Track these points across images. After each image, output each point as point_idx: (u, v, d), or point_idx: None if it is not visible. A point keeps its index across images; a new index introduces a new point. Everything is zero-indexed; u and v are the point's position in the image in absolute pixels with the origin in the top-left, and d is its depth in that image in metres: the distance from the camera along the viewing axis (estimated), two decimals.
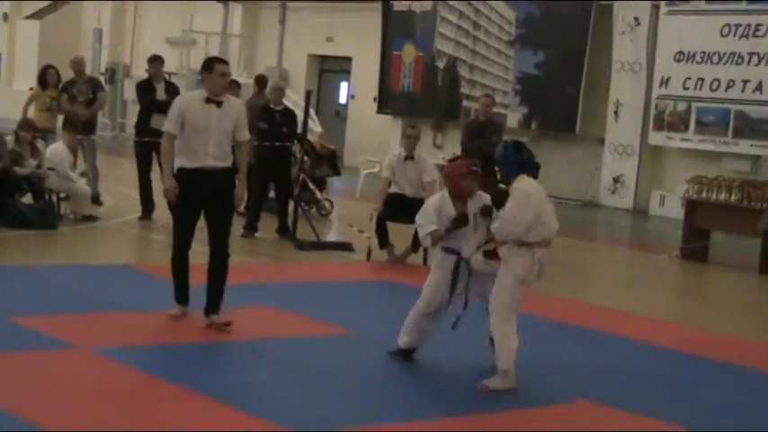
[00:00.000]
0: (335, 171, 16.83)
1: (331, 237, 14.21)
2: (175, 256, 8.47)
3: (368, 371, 7.50)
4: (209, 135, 8.08)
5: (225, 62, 8.41)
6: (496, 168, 7.60)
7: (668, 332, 9.88)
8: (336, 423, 6.21)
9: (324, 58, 28.84)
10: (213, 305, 8.21)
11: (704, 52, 20.43)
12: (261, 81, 16.05)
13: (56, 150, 13.58)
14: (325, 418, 6.31)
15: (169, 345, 7.75)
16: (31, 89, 16.81)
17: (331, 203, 16.29)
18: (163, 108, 13.82)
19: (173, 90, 14.11)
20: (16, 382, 6.46)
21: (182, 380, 6.74)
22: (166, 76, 14.96)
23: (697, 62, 20.57)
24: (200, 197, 8.15)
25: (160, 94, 13.99)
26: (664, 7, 21.22)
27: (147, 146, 13.79)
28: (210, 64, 8.27)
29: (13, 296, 8.77)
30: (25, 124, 13.53)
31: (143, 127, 13.98)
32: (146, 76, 14.70)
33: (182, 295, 8.46)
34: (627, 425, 6.78)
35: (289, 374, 7.21)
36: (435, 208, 7.84)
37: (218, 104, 8.13)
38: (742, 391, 7.88)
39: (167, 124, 8.17)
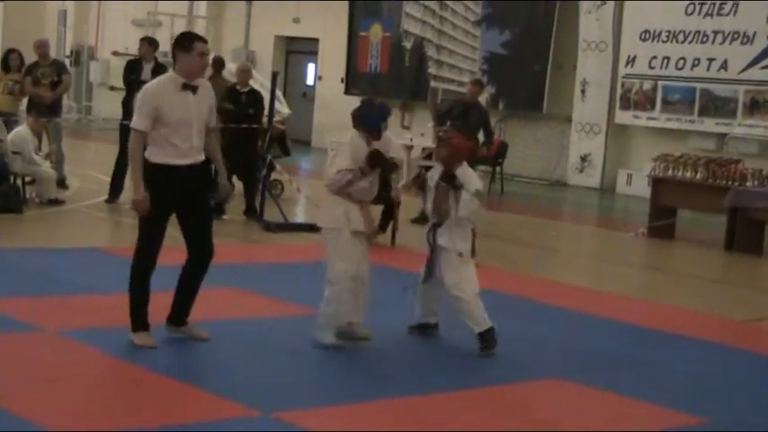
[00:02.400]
0: (285, 151, 16.70)
1: (299, 218, 14.18)
2: (143, 274, 7.20)
3: (336, 350, 7.50)
4: (193, 127, 7.04)
5: (204, 39, 7.26)
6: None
7: (635, 308, 9.95)
8: (304, 403, 6.21)
9: (291, 39, 28.74)
10: (186, 312, 7.39)
11: (669, 31, 20.51)
12: (218, 63, 15.93)
13: (19, 134, 13.47)
14: (293, 397, 6.31)
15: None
16: None
17: (281, 184, 16.05)
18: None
19: (160, 71, 13.88)
20: None
21: (146, 362, 6.72)
22: (157, 57, 14.67)
23: (662, 41, 20.66)
24: (178, 197, 7.11)
25: (146, 74, 13.83)
26: None
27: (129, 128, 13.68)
28: (188, 41, 7.11)
29: None
30: None
31: (127, 107, 13.87)
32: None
33: (143, 321, 7.20)
34: (594, 401, 6.82)
35: (255, 355, 7.20)
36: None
37: (194, 90, 7.06)
38: (707, 364, 7.94)
39: (137, 119, 7.00)
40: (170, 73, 7.15)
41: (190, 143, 7.04)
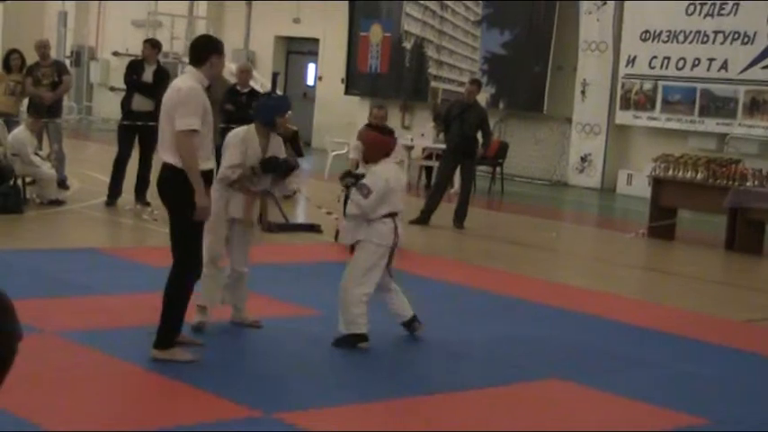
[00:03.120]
0: (298, 152, 16.73)
1: (299, 218, 14.19)
2: (192, 285, 6.99)
3: (336, 351, 7.50)
4: (211, 128, 7.01)
5: None
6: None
7: (635, 309, 9.94)
8: (305, 403, 6.21)
9: (291, 39, 28.75)
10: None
11: (670, 31, 20.52)
12: None
13: (17, 136, 13.47)
14: (294, 398, 6.32)
15: (134, 327, 7.72)
16: None
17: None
18: (145, 90, 13.76)
19: (161, 75, 13.89)
20: None
21: (146, 363, 6.71)
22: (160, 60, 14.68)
23: (663, 41, 20.66)
24: None
25: (147, 76, 13.86)
26: None
27: (129, 129, 13.71)
28: (221, 46, 7.08)
29: None
30: None
31: (126, 108, 13.88)
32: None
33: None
34: (595, 402, 6.83)
35: (257, 355, 7.21)
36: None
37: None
38: (707, 365, 7.94)
39: (192, 119, 6.67)
40: (196, 73, 6.90)
41: (211, 145, 7.07)
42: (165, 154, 6.79)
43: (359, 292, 7.59)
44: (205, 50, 6.93)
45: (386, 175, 7.64)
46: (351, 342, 7.52)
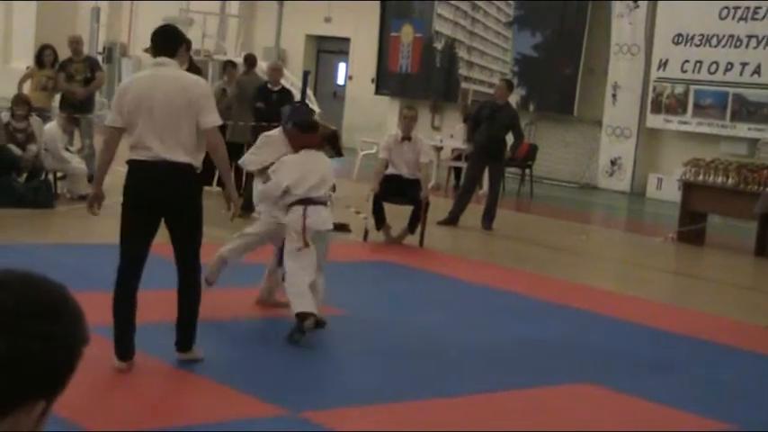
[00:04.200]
0: (338, 152, 16.75)
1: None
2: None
3: (363, 351, 7.51)
4: None
5: None
6: None
7: (664, 313, 9.89)
8: (332, 403, 6.22)
9: (322, 38, 28.78)
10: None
11: (703, 35, 20.40)
12: (250, 60, 15.99)
13: (49, 131, 13.56)
14: (321, 397, 6.32)
15: (162, 323, 7.74)
16: (27, 68, 16.76)
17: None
18: None
19: (193, 72, 13.91)
20: None
21: (175, 359, 6.73)
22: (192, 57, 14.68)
23: (695, 45, 20.55)
24: None
25: None
26: None
27: None
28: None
29: None
30: (19, 100, 13.46)
31: None
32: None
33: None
34: (622, 406, 6.80)
35: (282, 354, 7.21)
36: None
37: None
38: (736, 371, 7.89)
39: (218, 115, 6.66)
40: (177, 63, 6.77)
41: None
42: (174, 153, 6.34)
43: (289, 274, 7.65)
44: (178, 40, 6.80)
45: (291, 165, 7.89)
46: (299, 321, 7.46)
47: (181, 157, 6.36)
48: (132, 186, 6.52)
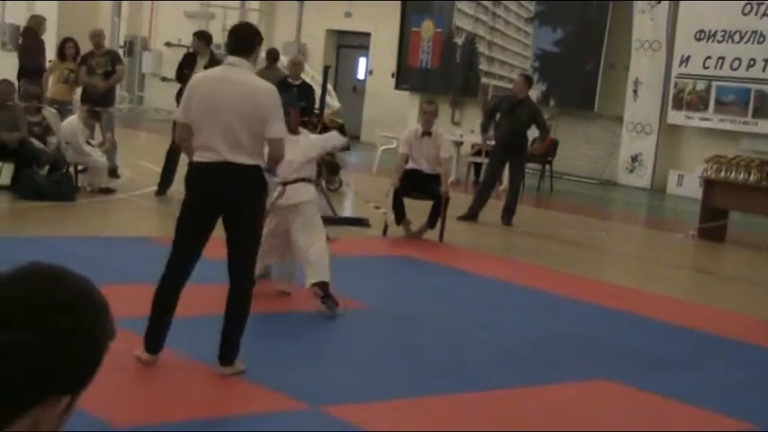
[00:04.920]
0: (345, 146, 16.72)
1: (347, 212, 14.21)
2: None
3: (382, 345, 7.51)
4: None
5: None
6: None
7: (684, 310, 9.86)
8: (352, 397, 6.22)
9: (342, 33, 28.78)
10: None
11: (725, 31, 20.30)
12: (272, 55, 16.01)
13: (70, 125, 13.61)
14: (341, 392, 6.32)
15: (183, 317, 7.76)
16: (50, 61, 16.83)
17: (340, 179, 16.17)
18: None
19: (214, 66, 13.95)
20: None
21: (194, 353, 6.75)
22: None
23: (718, 41, 20.44)
24: None
25: (198, 70, 13.91)
26: None
27: None
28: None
29: None
30: (27, 94, 13.47)
31: (180, 101, 13.96)
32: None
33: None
34: (641, 403, 6.78)
35: (303, 347, 7.22)
36: None
37: None
38: (756, 369, 7.86)
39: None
40: (250, 65, 6.56)
41: None
42: (238, 156, 6.24)
43: None
44: (256, 39, 6.55)
45: None
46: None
47: (244, 159, 6.25)
48: (194, 187, 6.44)
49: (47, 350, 1.61)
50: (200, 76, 6.79)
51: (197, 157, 6.35)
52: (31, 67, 15.88)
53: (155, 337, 6.41)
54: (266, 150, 6.50)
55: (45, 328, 1.61)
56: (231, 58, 6.36)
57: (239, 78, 6.32)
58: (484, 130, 15.43)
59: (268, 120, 6.25)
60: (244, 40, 6.43)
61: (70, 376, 1.66)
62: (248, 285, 6.49)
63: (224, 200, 6.30)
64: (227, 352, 6.40)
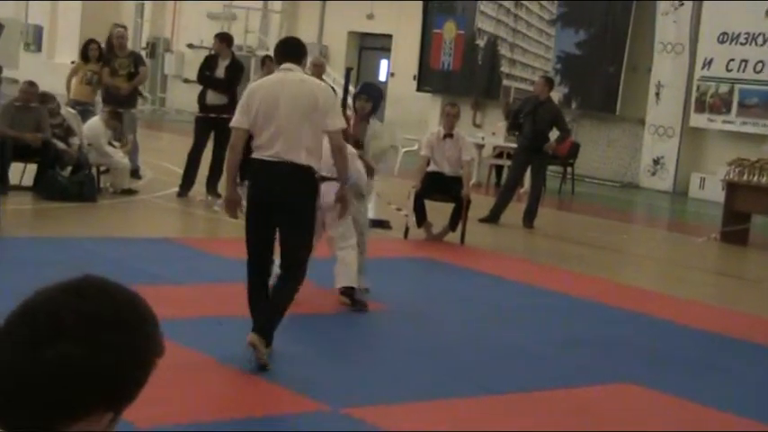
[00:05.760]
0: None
1: (369, 214, 14.19)
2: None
3: (404, 347, 7.50)
4: None
5: None
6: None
7: (706, 314, 9.81)
8: (373, 399, 6.21)
9: (364, 35, 28.79)
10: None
11: (748, 33, 20.20)
12: None
13: (93, 127, 13.66)
14: (362, 393, 6.32)
15: (205, 317, 7.79)
16: (72, 63, 16.89)
17: None
18: (216, 86, 13.89)
19: (234, 69, 14.04)
20: None
21: (216, 353, 6.76)
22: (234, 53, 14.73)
23: (741, 44, 20.35)
24: None
25: (219, 71, 13.97)
26: None
27: (206, 122, 13.82)
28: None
29: (49, 268, 8.82)
30: (43, 96, 13.47)
31: (201, 102, 14.02)
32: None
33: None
34: (664, 407, 6.75)
35: (324, 349, 7.22)
36: None
37: None
38: None
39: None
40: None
41: None
42: (297, 155, 6.55)
43: None
44: (303, 49, 7.05)
45: None
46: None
47: (303, 158, 6.57)
48: (254, 185, 6.79)
49: (93, 366, 1.61)
50: (257, 82, 7.16)
51: (257, 155, 6.68)
52: None
53: (264, 333, 6.57)
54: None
55: (93, 343, 1.61)
56: (285, 64, 6.78)
57: (297, 78, 6.75)
58: (512, 128, 15.45)
59: (327, 113, 6.63)
60: (294, 47, 6.96)
61: (115, 392, 1.66)
62: (297, 277, 6.78)
63: (279, 197, 6.61)
64: (264, 326, 6.60)
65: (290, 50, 6.91)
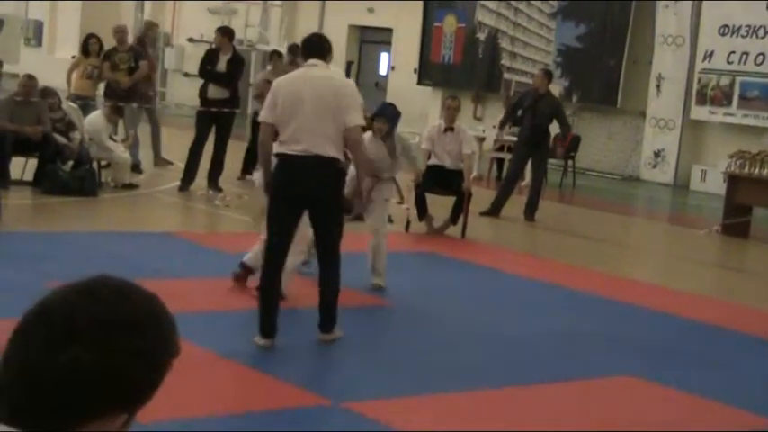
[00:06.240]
0: None
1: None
2: None
3: (405, 341, 7.50)
4: None
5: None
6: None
7: (707, 307, 9.81)
8: (373, 393, 6.22)
9: (364, 29, 28.75)
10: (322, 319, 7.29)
11: (749, 26, 20.18)
12: (294, 50, 16.00)
13: (93, 122, 13.65)
14: (362, 387, 6.32)
15: (207, 311, 7.79)
16: (73, 57, 16.89)
17: None
18: (218, 80, 13.88)
19: (235, 63, 14.00)
20: None
21: (218, 348, 6.76)
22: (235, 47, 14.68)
23: (742, 36, 20.33)
24: None
25: (221, 65, 13.94)
26: None
27: (207, 116, 13.80)
28: None
29: (51, 262, 8.82)
30: (44, 91, 13.46)
31: (203, 96, 14.00)
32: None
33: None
34: (665, 399, 6.75)
35: (325, 344, 7.22)
36: None
37: None
38: None
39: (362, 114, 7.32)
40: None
41: None
42: (322, 148, 6.76)
43: None
44: (328, 45, 7.21)
45: None
46: None
47: (328, 151, 6.77)
48: (280, 178, 6.91)
49: (108, 369, 1.60)
50: (284, 77, 7.30)
51: (283, 149, 6.85)
52: None
53: (268, 323, 6.85)
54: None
55: (107, 346, 1.61)
56: (311, 60, 6.98)
57: (322, 74, 6.96)
58: (501, 126, 15.44)
59: (348, 109, 6.82)
60: (318, 44, 7.12)
61: (129, 395, 1.66)
62: (335, 267, 7.10)
63: (307, 190, 6.84)
64: (324, 321, 7.09)
65: (316, 47, 7.08)
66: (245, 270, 8.39)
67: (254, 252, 8.31)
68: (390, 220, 12.86)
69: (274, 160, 6.96)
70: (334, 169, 6.86)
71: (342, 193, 7.06)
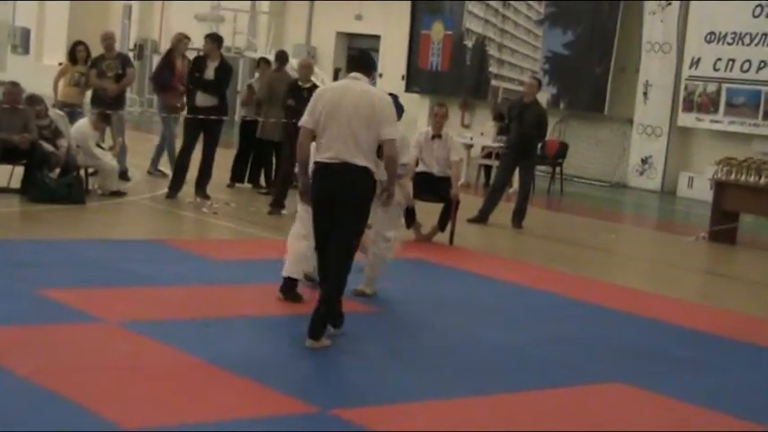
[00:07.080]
0: None
1: None
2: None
3: (393, 348, 7.49)
4: None
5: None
6: None
7: (695, 313, 9.84)
8: (362, 401, 6.21)
9: (352, 35, 28.78)
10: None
11: (735, 33, 20.26)
12: (281, 57, 16.01)
13: (80, 129, 13.62)
14: (351, 395, 6.32)
15: (194, 319, 7.77)
16: (60, 64, 16.85)
17: None
18: (206, 88, 13.85)
19: (223, 71, 13.94)
20: (41, 354, 6.49)
21: (206, 355, 6.74)
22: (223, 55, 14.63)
23: (728, 43, 20.41)
24: None
25: (208, 73, 13.90)
26: None
27: (194, 123, 13.77)
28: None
29: (39, 270, 8.80)
30: (30, 98, 13.41)
31: (191, 104, 13.97)
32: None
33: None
34: (654, 406, 6.76)
35: (312, 351, 7.21)
36: None
37: None
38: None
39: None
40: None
41: None
42: (356, 158, 7.09)
43: None
44: (372, 62, 7.88)
45: None
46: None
47: (357, 160, 7.10)
48: (316, 183, 7.27)
49: None
50: (326, 86, 7.74)
51: (319, 157, 7.21)
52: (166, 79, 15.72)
53: (313, 324, 7.20)
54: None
55: None
56: (353, 74, 7.39)
57: (361, 88, 7.29)
58: (504, 132, 15.52)
59: (383, 123, 7.14)
60: (362, 60, 7.69)
61: None
62: (343, 273, 7.36)
63: (339, 195, 7.15)
64: (318, 327, 7.22)
65: (360, 62, 7.61)
66: (291, 281, 8.44)
67: (288, 262, 8.39)
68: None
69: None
70: (365, 177, 7.14)
71: (371, 199, 7.32)
